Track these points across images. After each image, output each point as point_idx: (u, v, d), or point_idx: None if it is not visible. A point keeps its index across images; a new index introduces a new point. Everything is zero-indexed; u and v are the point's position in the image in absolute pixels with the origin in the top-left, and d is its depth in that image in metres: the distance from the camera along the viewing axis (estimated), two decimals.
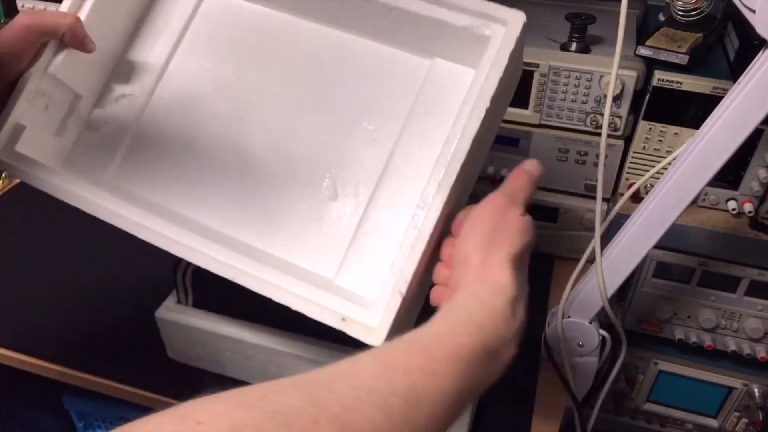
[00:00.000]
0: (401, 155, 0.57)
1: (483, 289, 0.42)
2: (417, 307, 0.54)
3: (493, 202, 0.48)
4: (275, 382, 0.32)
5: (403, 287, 0.47)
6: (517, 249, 0.44)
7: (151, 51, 0.64)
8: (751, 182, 0.77)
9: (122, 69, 0.64)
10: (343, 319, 0.48)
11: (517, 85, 0.82)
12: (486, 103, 0.49)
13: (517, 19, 0.50)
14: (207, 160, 0.61)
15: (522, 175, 0.51)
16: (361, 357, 0.35)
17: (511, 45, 0.50)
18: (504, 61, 0.50)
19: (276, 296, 0.50)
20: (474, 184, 0.62)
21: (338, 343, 0.69)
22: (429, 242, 0.48)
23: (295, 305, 0.50)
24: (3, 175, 1.08)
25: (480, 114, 0.50)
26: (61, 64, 0.58)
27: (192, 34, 0.64)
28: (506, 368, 0.42)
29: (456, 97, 0.55)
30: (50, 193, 0.56)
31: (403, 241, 0.48)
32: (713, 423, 0.96)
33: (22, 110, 0.56)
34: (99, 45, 0.60)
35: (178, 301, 0.74)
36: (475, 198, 0.94)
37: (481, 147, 0.54)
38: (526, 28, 0.51)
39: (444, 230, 0.51)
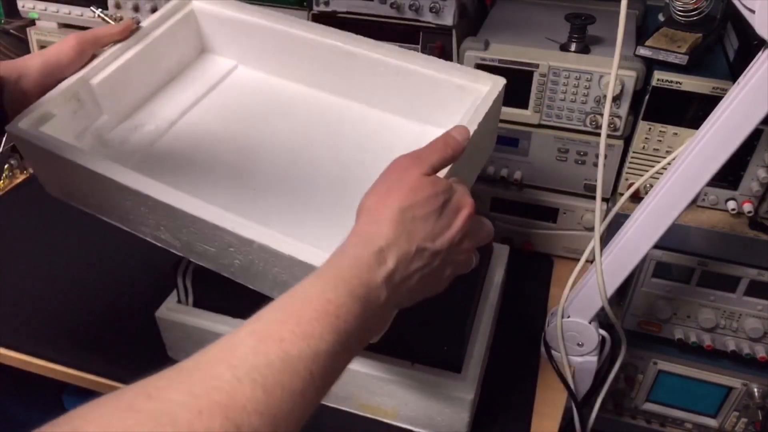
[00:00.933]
0: None
1: (353, 241, 0.44)
2: None
3: (395, 162, 0.49)
4: (160, 374, 0.33)
5: None
6: (402, 205, 0.45)
7: (178, 97, 0.74)
8: (750, 182, 0.77)
9: (148, 105, 0.73)
10: None
11: (517, 86, 0.82)
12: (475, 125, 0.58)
13: (498, 82, 0.64)
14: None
15: (438, 140, 0.51)
16: (240, 331, 0.36)
17: (490, 100, 0.62)
18: (484, 111, 0.60)
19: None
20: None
21: None
22: None
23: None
24: (3, 175, 1.08)
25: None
26: (103, 80, 0.66)
27: (217, 92, 0.74)
28: (388, 313, 0.44)
29: None
30: (69, 159, 0.58)
31: None
32: (713, 423, 0.96)
33: (55, 103, 0.63)
34: (139, 78, 0.70)
35: (178, 301, 0.74)
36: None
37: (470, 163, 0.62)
38: (504, 89, 0.64)
39: None
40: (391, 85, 0.68)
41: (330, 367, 0.37)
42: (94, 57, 0.67)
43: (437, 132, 0.56)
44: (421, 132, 0.69)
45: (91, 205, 0.63)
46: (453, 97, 0.66)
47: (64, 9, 1.03)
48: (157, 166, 0.67)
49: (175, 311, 0.74)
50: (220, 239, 0.54)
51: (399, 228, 0.44)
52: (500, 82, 0.64)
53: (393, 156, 0.50)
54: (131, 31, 0.69)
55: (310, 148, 0.69)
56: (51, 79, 0.63)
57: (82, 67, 0.65)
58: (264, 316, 0.38)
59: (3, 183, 1.08)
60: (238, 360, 0.34)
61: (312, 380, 0.35)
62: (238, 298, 0.73)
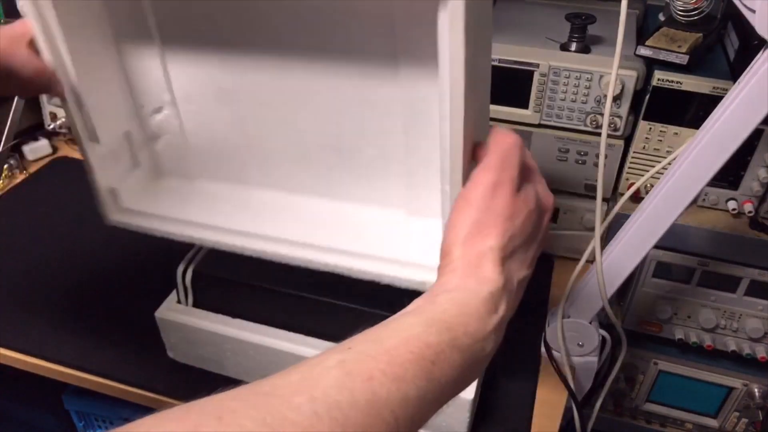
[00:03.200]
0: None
1: (459, 284, 0.40)
2: None
3: (478, 182, 0.42)
4: (233, 393, 0.31)
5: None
6: (504, 240, 0.41)
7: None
8: (751, 182, 0.77)
9: (140, 85, 0.68)
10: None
11: (517, 86, 0.82)
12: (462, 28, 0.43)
13: None
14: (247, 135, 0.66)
15: (497, 148, 0.43)
16: (325, 358, 0.34)
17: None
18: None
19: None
20: (488, 111, 0.60)
21: (338, 341, 0.70)
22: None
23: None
24: (3, 175, 1.08)
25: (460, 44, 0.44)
26: (94, 124, 0.62)
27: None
28: (486, 363, 0.40)
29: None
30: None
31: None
32: (713, 423, 0.96)
33: (104, 177, 0.64)
34: (106, 93, 0.65)
35: (178, 301, 0.74)
36: None
37: (477, 79, 0.50)
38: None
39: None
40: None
41: (417, 415, 0.34)
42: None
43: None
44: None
45: None
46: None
47: None
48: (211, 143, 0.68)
49: (175, 311, 0.74)
50: None
51: (505, 269, 0.41)
52: None
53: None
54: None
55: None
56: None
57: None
58: (356, 346, 0.35)
59: (3, 183, 1.08)
60: (320, 392, 0.31)
61: (396, 426, 0.33)
62: (238, 299, 0.73)
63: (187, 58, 0.64)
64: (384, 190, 0.64)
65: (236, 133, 0.67)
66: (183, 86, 0.67)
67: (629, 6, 0.58)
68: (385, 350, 0.35)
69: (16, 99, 1.00)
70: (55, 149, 1.18)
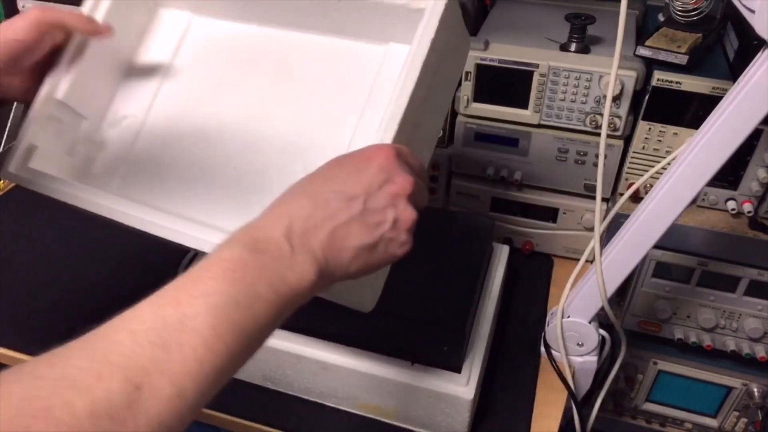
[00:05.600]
0: (362, 135, 0.62)
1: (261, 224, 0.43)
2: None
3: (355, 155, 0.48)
4: (65, 345, 0.34)
5: None
6: (311, 176, 0.46)
7: (147, 77, 0.71)
8: (750, 182, 0.77)
9: (123, 91, 0.70)
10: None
11: (517, 86, 0.82)
12: (420, 61, 0.52)
13: None
14: (195, 162, 0.65)
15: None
16: (141, 303, 0.36)
17: (439, 11, 0.54)
18: (435, 24, 0.54)
19: None
20: (433, 147, 0.63)
21: (338, 341, 0.70)
22: None
23: None
24: None
25: (415, 73, 0.52)
26: (68, 89, 0.62)
27: (179, 60, 0.70)
28: (312, 267, 0.42)
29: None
30: (62, 200, 0.60)
31: None
32: (713, 422, 0.96)
33: (34, 133, 0.61)
34: (101, 71, 0.66)
35: None
36: (467, 196, 0.94)
37: (423, 114, 0.56)
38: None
39: None
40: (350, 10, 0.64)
41: (237, 318, 0.36)
42: (58, 45, 0.61)
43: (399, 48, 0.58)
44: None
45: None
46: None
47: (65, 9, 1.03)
48: (155, 152, 0.67)
49: None
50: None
51: (296, 190, 0.44)
52: None
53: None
54: (100, 35, 0.62)
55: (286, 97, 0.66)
56: (8, 56, 0.56)
57: (49, 59, 0.61)
58: (164, 288, 0.38)
59: (3, 183, 1.08)
60: (138, 325, 0.34)
61: (216, 335, 0.35)
62: None
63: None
64: None
65: (186, 165, 0.66)
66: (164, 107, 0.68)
67: (629, 6, 0.58)
68: (188, 280, 0.37)
69: None
70: None
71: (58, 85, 0.62)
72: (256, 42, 0.69)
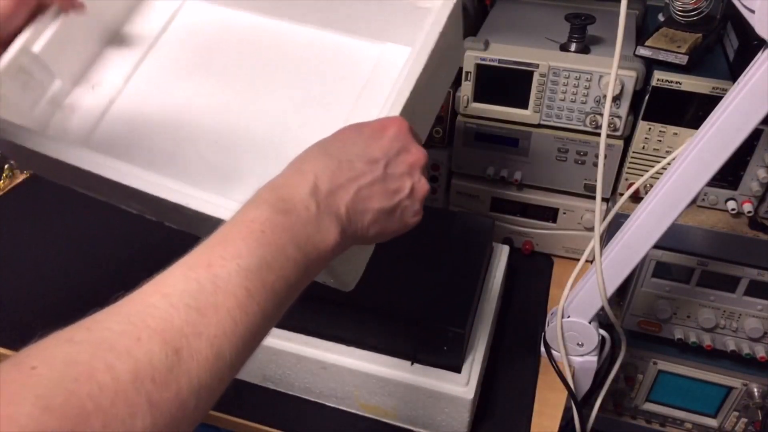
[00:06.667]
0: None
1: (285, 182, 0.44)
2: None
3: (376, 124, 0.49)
4: (99, 312, 0.34)
5: None
6: (331, 138, 0.47)
7: (130, 46, 0.69)
8: (750, 182, 0.77)
9: (101, 60, 0.68)
10: None
11: (517, 86, 0.82)
12: (422, 62, 0.53)
13: None
14: (164, 149, 0.64)
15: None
16: (171, 267, 0.36)
17: (446, 14, 0.55)
18: (442, 23, 0.55)
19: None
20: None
21: (338, 341, 0.70)
22: None
23: None
24: (3, 175, 1.08)
25: (416, 72, 0.53)
26: (45, 45, 0.61)
27: (167, 35, 0.69)
28: (336, 229, 0.42)
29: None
30: (27, 146, 0.56)
31: None
32: (713, 422, 0.96)
33: (1, 81, 0.59)
34: (82, 34, 0.64)
35: None
36: (467, 196, 0.94)
37: (419, 112, 0.57)
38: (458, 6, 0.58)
39: None
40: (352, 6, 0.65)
41: (269, 280, 0.37)
42: (34, 16, 0.61)
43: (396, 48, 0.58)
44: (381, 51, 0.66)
45: (58, 178, 0.62)
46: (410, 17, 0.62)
47: None
48: (123, 130, 0.65)
49: None
50: (159, 204, 0.53)
51: (315, 151, 0.45)
52: None
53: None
54: (74, 9, 0.61)
55: (275, 84, 0.66)
56: None
57: (21, 29, 0.60)
58: (193, 251, 0.38)
59: (3, 183, 1.08)
60: (170, 288, 0.34)
61: (249, 296, 0.35)
62: None
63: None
64: None
65: (157, 138, 0.65)
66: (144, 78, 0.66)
67: (629, 6, 0.58)
68: (217, 241, 0.38)
69: None
70: None
71: (37, 39, 0.61)
72: (247, 30, 0.69)
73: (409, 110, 0.53)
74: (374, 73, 0.63)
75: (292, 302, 0.40)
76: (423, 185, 0.48)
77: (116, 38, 0.69)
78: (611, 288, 0.68)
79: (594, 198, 0.69)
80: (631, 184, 0.78)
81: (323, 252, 0.41)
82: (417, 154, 0.47)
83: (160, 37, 0.69)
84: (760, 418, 0.92)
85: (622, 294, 0.88)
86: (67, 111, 0.66)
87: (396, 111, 0.52)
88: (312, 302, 0.69)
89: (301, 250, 0.40)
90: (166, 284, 0.35)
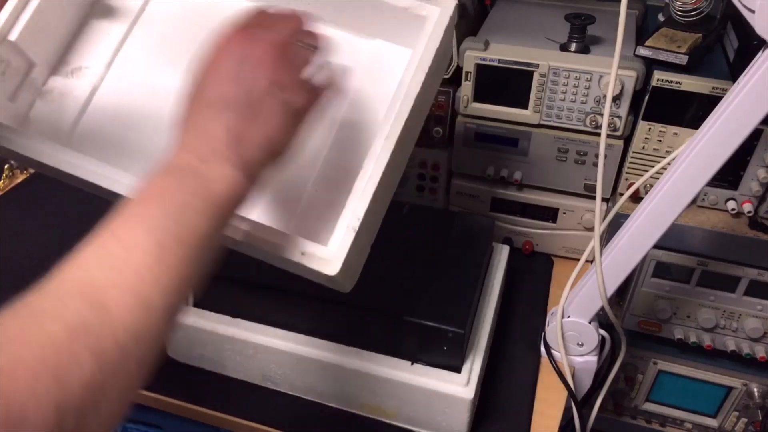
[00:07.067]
0: (348, 125, 0.62)
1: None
2: (368, 244, 0.58)
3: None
4: (20, 300, 0.35)
5: (356, 224, 0.52)
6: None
7: (109, 30, 0.67)
8: (750, 182, 0.77)
9: (79, 42, 0.67)
10: (303, 253, 0.52)
11: (517, 86, 0.82)
12: (426, 68, 0.55)
13: (449, 1, 0.58)
14: (156, 131, 0.62)
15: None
16: (78, 250, 0.38)
17: (445, 22, 0.56)
18: (440, 35, 0.56)
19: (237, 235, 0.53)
20: (411, 150, 0.64)
21: (338, 341, 0.70)
22: (378, 187, 0.53)
23: (255, 241, 0.53)
24: (3, 175, 1.08)
25: (420, 78, 0.54)
26: (21, 31, 0.60)
27: (148, 15, 0.68)
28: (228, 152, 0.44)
29: (395, 72, 0.60)
30: (8, 148, 0.56)
31: (356, 187, 0.53)
32: (713, 422, 0.96)
33: None
34: (58, 13, 0.63)
35: None
36: (468, 196, 0.94)
37: (418, 113, 0.59)
38: (456, 11, 0.58)
39: (389, 181, 0.56)
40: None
41: (178, 232, 0.39)
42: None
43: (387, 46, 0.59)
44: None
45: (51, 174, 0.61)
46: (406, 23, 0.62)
47: None
48: (107, 118, 0.64)
49: None
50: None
51: (183, 112, 0.47)
52: (451, 4, 0.58)
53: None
54: None
55: None
56: None
57: None
58: (96, 231, 0.39)
59: (3, 183, 1.08)
60: (83, 261, 0.37)
61: (160, 247, 0.38)
62: (237, 298, 0.73)
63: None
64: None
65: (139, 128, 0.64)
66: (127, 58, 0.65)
67: (629, 6, 0.58)
68: (119, 217, 0.39)
69: None
70: None
71: (13, 24, 0.60)
72: (232, 12, 0.67)
73: (414, 114, 0.54)
74: (368, 69, 0.63)
75: (216, 242, 0.43)
76: (284, 77, 0.47)
77: (95, 13, 0.67)
78: (611, 288, 0.68)
79: (594, 198, 0.69)
80: (631, 184, 0.78)
81: (228, 192, 0.43)
82: (261, 47, 0.47)
83: (141, 13, 0.68)
84: (760, 418, 0.92)
85: (622, 294, 0.88)
86: (48, 99, 0.65)
87: (402, 117, 0.53)
88: (312, 302, 0.69)
89: (200, 197, 0.42)
90: (78, 259, 0.37)
